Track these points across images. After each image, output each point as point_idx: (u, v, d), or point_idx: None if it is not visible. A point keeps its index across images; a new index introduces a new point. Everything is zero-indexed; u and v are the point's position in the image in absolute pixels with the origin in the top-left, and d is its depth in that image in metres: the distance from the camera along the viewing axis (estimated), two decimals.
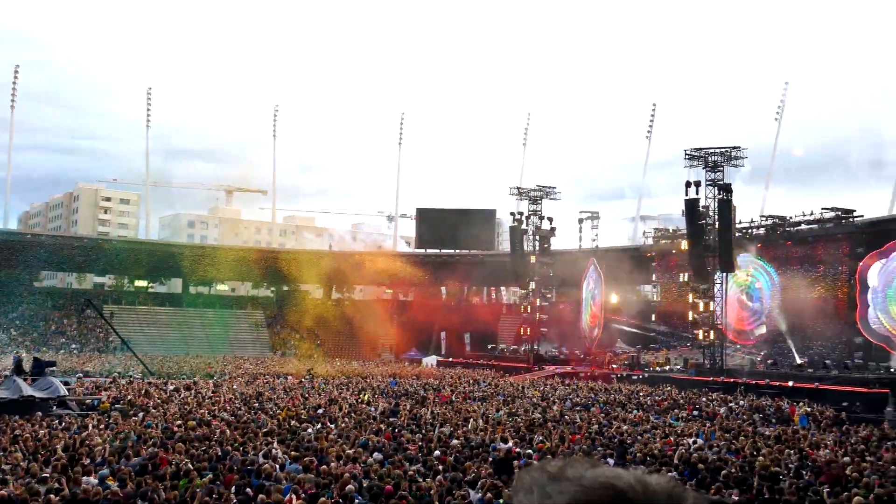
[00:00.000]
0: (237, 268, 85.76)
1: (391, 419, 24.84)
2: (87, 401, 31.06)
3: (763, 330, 58.93)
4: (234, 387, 38.45)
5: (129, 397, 31.10)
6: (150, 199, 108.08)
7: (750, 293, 60.52)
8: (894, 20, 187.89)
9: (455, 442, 19.48)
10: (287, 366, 61.01)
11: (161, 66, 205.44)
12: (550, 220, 69.36)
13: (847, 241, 55.78)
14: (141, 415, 25.26)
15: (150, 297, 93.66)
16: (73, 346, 76.33)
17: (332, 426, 22.63)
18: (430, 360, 73.50)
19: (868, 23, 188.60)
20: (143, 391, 34.08)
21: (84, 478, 13.62)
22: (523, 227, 70.00)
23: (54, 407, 28.23)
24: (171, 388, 36.42)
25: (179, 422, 22.35)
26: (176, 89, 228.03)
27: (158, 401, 30.00)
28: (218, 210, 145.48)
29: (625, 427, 24.10)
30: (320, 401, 30.85)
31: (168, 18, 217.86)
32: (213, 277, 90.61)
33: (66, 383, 34.05)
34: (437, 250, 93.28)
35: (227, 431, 20.42)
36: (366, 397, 33.07)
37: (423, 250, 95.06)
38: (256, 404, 29.17)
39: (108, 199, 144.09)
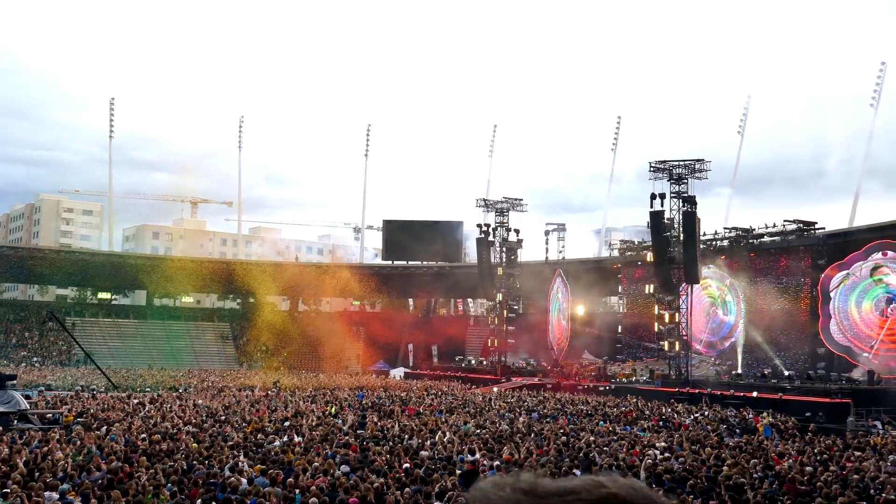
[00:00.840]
0: (196, 280, 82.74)
1: (358, 432, 24.77)
2: (49, 415, 30.55)
3: (734, 339, 59.52)
4: (200, 400, 38.04)
5: (93, 411, 30.67)
6: (114, 211, 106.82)
7: (719, 305, 61.17)
8: (855, 33, 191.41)
9: (423, 454, 19.44)
10: (253, 378, 60.52)
11: (124, 77, 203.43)
12: (517, 231, 69.50)
13: (809, 253, 56.50)
14: (104, 428, 24.88)
15: (114, 309, 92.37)
16: (35, 358, 75.12)
17: (299, 439, 22.49)
18: (398, 373, 73.33)
19: (830, 36, 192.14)
20: (106, 405, 33.61)
21: (46, 493, 13.40)
22: (490, 238, 69.98)
23: (15, 421, 27.75)
24: (135, 401, 35.95)
25: (144, 435, 22.07)
26: (139, 100, 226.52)
27: (122, 414, 29.61)
28: (183, 221, 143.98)
29: (592, 438, 24.18)
30: (287, 413, 30.68)
31: (131, 28, 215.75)
32: (171, 290, 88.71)
33: (27, 397, 33.49)
34: (404, 262, 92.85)
35: (193, 445, 20.20)
36: (333, 410, 32.92)
37: (389, 262, 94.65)
38: (223, 417, 28.90)
39: (71, 211, 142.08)
